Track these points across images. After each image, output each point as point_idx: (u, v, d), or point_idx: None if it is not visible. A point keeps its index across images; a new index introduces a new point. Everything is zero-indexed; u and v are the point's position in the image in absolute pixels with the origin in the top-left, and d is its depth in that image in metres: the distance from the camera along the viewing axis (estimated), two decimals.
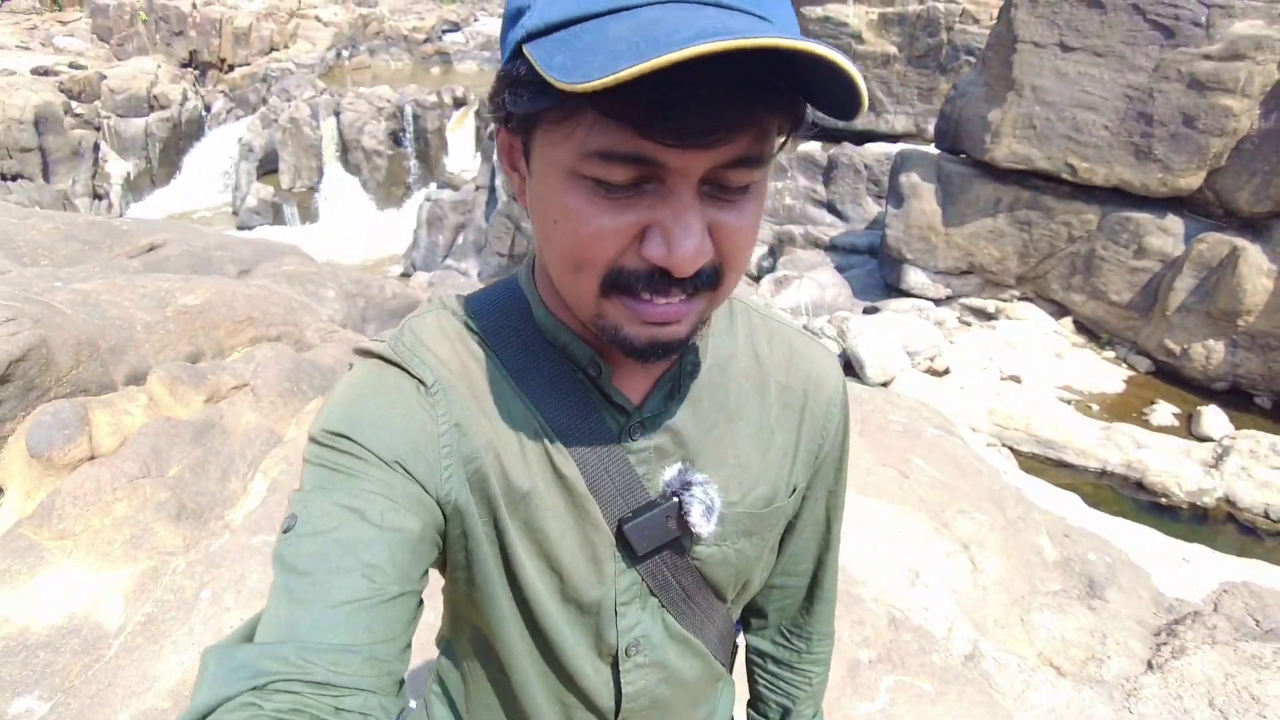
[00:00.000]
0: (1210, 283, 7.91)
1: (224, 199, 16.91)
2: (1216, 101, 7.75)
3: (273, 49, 20.96)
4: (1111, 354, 8.69)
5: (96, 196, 16.33)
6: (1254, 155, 7.86)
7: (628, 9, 0.54)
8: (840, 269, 10.00)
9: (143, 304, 4.25)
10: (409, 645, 0.66)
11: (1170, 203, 8.39)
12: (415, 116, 16.81)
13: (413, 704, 0.81)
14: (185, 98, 18.01)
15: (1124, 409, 7.81)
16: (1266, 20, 7.76)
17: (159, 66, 18.50)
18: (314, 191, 16.38)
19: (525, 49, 0.56)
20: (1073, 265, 8.87)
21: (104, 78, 17.28)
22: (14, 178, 15.21)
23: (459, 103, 17.29)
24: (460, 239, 14.34)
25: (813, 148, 12.72)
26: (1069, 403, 7.48)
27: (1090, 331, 8.99)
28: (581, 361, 0.74)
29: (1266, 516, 6.51)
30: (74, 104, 16.42)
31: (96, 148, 16.45)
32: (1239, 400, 8.00)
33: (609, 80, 0.48)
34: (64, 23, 22.37)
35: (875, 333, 7.09)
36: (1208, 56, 7.73)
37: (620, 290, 0.62)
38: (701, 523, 0.75)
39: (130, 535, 2.49)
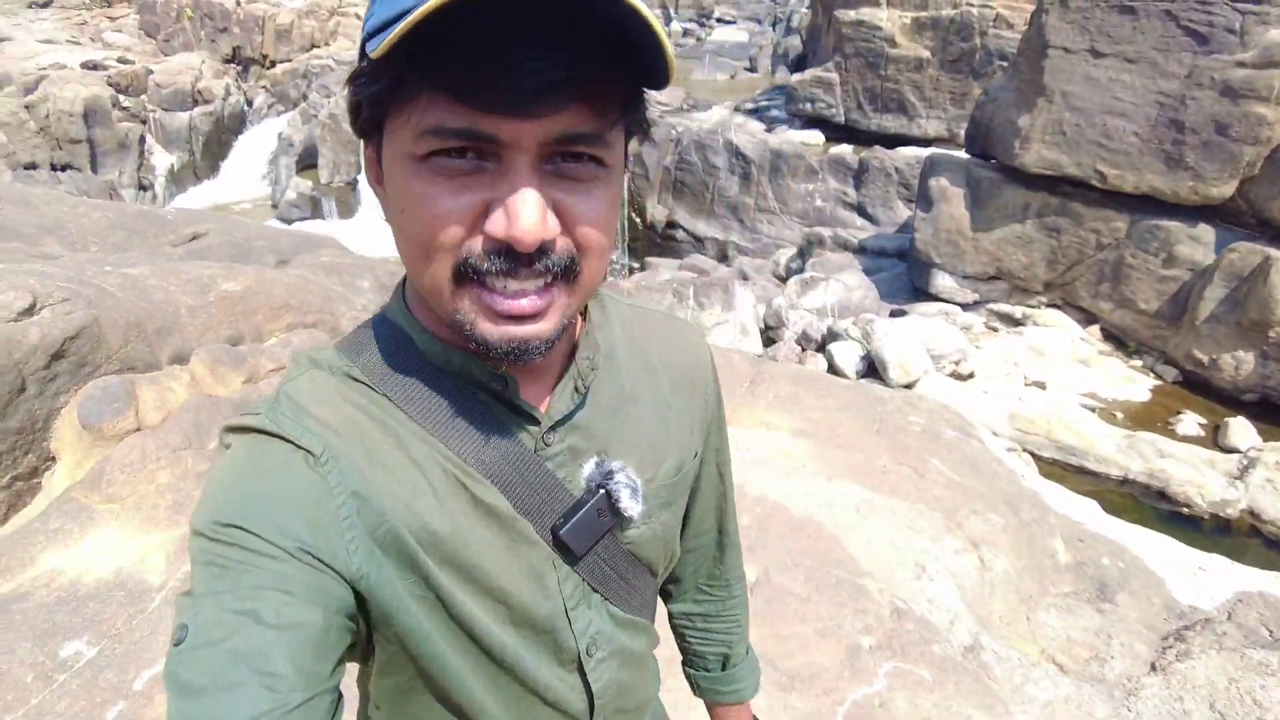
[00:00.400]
0: (1241, 292, 7.84)
1: (264, 192, 17.24)
2: (1250, 109, 7.68)
3: (313, 46, 21.32)
4: (1139, 363, 8.64)
5: (141, 188, 16.74)
6: None
7: None
8: (868, 272, 10.02)
9: (187, 289, 4.43)
10: None
11: (1201, 211, 8.30)
12: None
13: None
14: (228, 93, 18.38)
15: (1149, 418, 7.77)
16: None
17: (203, 62, 18.90)
18: (352, 186, 16.64)
19: (369, 46, 0.58)
20: (1101, 273, 8.83)
21: (150, 72, 17.69)
22: (64, 168, 15.64)
23: None
24: None
25: (844, 150, 12.74)
26: (1093, 410, 7.46)
27: (1118, 340, 8.93)
28: (483, 380, 0.72)
29: None
30: (121, 97, 16.83)
31: (142, 140, 16.86)
32: (1268, 412, 7.89)
33: (402, 28, 0.51)
34: (112, 18, 22.91)
35: (900, 335, 7.13)
36: (1241, 64, 7.66)
37: (471, 280, 0.62)
38: (631, 505, 0.78)
39: (172, 501, 2.64)
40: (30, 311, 2.94)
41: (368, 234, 15.39)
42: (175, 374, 3.81)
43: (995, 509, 3.54)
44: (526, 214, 0.59)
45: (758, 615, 2.54)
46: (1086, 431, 6.91)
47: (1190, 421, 7.72)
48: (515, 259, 0.61)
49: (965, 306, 9.19)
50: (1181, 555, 4.03)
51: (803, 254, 11.23)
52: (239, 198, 17.23)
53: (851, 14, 12.84)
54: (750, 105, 15.84)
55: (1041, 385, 7.43)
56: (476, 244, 0.61)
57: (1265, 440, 7.33)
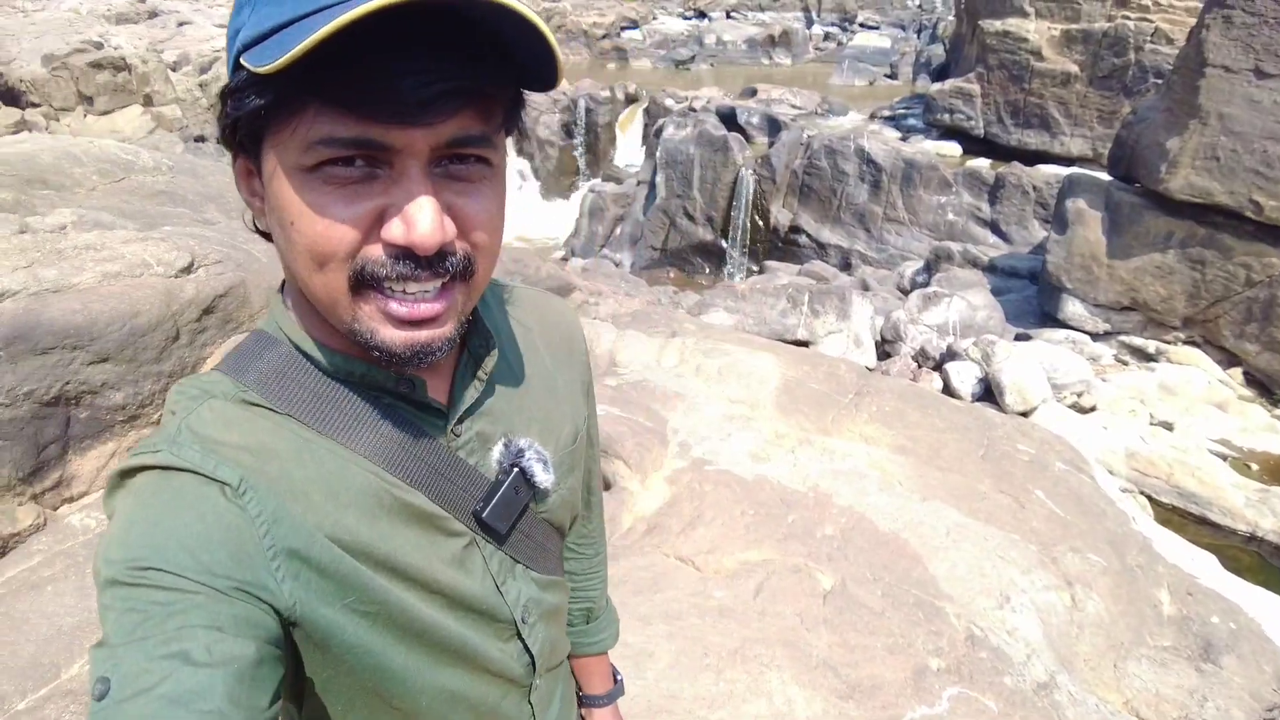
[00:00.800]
0: None
1: None
2: None
3: None
4: None
5: None
6: None
7: (336, 4, 0.56)
8: (996, 292, 9.69)
9: None
10: None
11: None
12: (588, 110, 17.38)
13: None
14: None
15: None
16: None
17: None
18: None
19: (242, 59, 0.59)
20: (1249, 311, 8.24)
21: None
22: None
23: (630, 99, 17.73)
24: (618, 230, 14.77)
25: (980, 164, 12.35)
26: (1224, 458, 7.00)
27: (1262, 385, 8.32)
28: (388, 385, 0.73)
29: None
30: None
31: None
32: None
33: (301, 47, 0.52)
34: None
35: (1021, 361, 6.89)
36: None
37: (369, 285, 0.63)
38: (545, 477, 0.82)
39: None
40: (189, 270, 3.25)
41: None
42: None
43: (1097, 549, 3.42)
44: (425, 219, 0.61)
45: (827, 622, 2.56)
46: (1214, 480, 6.50)
47: None
48: (415, 263, 0.62)
49: (1095, 336, 8.77)
50: None
51: (929, 268, 10.95)
52: None
53: (997, 24, 12.40)
54: (887, 113, 15.54)
55: (1168, 426, 7.02)
56: (374, 251, 0.62)
57: None
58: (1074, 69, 11.92)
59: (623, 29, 24.39)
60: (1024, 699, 2.41)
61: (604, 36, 23.36)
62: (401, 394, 0.74)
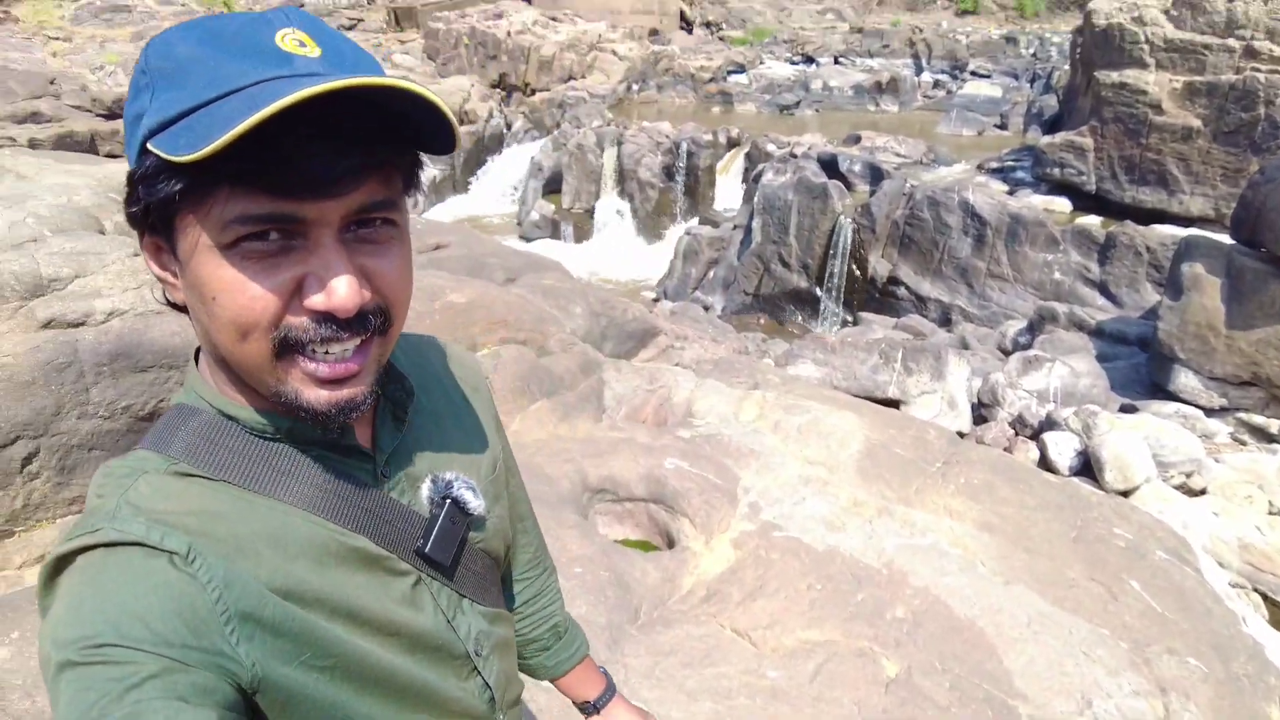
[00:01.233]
0: None
1: (511, 210, 18.47)
2: None
3: (571, 78, 22.72)
4: None
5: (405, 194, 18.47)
6: None
7: (238, 90, 0.60)
8: (1102, 358, 9.22)
9: (418, 296, 4.88)
10: None
11: None
12: (689, 153, 17.51)
13: None
14: (491, 115, 19.93)
15: None
16: None
17: (472, 86, 20.62)
18: (589, 214, 17.50)
19: (150, 145, 0.61)
20: None
21: None
22: None
23: (732, 143, 17.80)
24: (711, 274, 14.76)
25: (1091, 222, 11.85)
26: None
27: None
28: (314, 436, 0.75)
29: None
30: None
31: None
32: None
33: (223, 141, 0.55)
34: (403, 41, 25.58)
35: (1125, 435, 6.50)
36: None
37: (293, 350, 0.66)
38: (476, 503, 0.86)
39: None
40: None
41: (597, 258, 16.17)
42: None
43: (1198, 652, 3.16)
44: (343, 286, 0.65)
45: (886, 714, 2.42)
46: None
47: None
48: (337, 325, 0.66)
49: (1209, 412, 8.21)
50: None
51: (1032, 329, 10.53)
52: (488, 213, 18.56)
53: (1114, 75, 11.93)
54: (994, 164, 15.11)
55: None
56: (296, 318, 0.65)
57: None
58: (1196, 123, 11.35)
59: (729, 73, 24.57)
60: None
61: (710, 80, 23.58)
62: (330, 442, 0.76)
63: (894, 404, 7.37)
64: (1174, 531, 4.28)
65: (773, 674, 2.51)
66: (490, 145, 19.75)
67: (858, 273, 13.31)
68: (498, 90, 22.25)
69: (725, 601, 2.89)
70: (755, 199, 14.07)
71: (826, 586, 3.01)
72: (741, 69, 25.15)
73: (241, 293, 0.64)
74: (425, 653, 0.80)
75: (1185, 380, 8.33)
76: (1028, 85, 23.09)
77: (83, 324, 3.41)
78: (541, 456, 3.73)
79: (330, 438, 0.76)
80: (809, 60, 27.75)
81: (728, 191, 17.51)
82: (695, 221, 16.88)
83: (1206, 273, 8.32)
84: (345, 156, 0.63)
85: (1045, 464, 6.53)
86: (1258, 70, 10.80)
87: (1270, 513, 6.37)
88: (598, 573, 2.86)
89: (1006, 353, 9.93)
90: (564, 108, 20.57)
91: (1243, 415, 8.12)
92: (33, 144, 11.37)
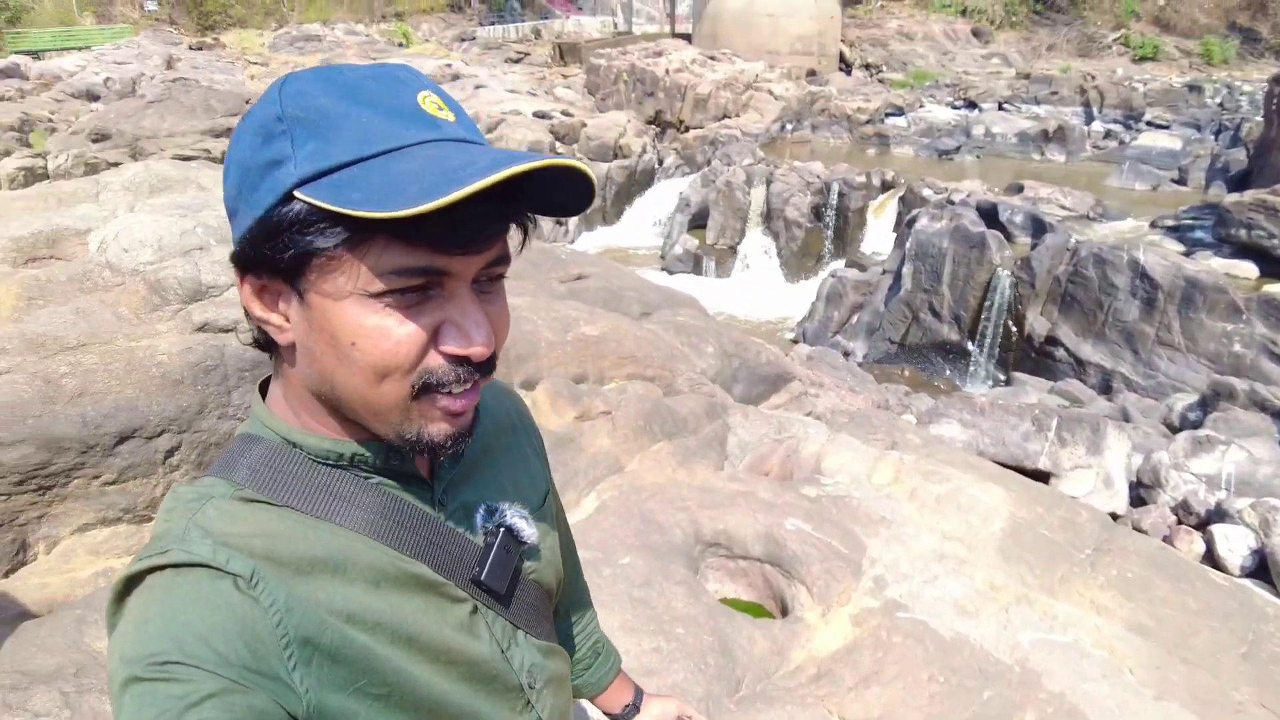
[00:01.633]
0: None
1: (656, 243, 18.65)
2: None
3: (725, 116, 22.81)
4: None
5: (558, 222, 18.98)
6: None
7: (398, 149, 0.64)
8: None
9: (552, 326, 4.92)
10: None
11: None
12: (840, 194, 17.18)
13: None
14: (644, 150, 20.26)
15: None
16: None
17: (628, 121, 21.03)
18: (733, 250, 17.44)
19: (301, 192, 0.63)
20: None
21: (584, 125, 20.09)
22: None
23: (886, 186, 17.35)
24: (855, 319, 14.34)
25: None
26: None
27: None
28: (377, 462, 0.77)
29: None
30: (558, 144, 19.26)
31: None
32: None
33: (438, 203, 0.58)
34: (565, 76, 26.49)
35: None
36: None
37: (430, 390, 0.70)
38: (530, 531, 0.87)
39: None
40: None
41: (737, 296, 16.06)
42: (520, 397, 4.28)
43: None
44: (481, 334, 0.70)
45: None
46: None
47: None
48: (472, 368, 0.71)
49: None
50: None
51: (1205, 405, 9.63)
52: (634, 244, 18.82)
53: None
54: (1170, 222, 14.03)
55: None
56: (434, 361, 0.70)
57: None
58: None
59: (887, 115, 24.02)
60: None
61: (867, 122, 23.11)
62: (391, 470, 0.79)
63: (1043, 476, 6.87)
64: None
65: None
66: (641, 180, 20.05)
67: (1013, 329, 12.60)
68: (652, 126, 22.60)
69: (836, 684, 2.68)
70: (908, 244, 13.61)
71: (950, 680, 2.75)
72: (900, 111, 24.57)
73: (386, 339, 0.67)
74: (480, 683, 0.81)
75: None
76: (1212, 137, 21.45)
77: (232, 330, 3.60)
78: (655, 502, 3.62)
79: (392, 465, 0.78)
80: (971, 105, 26.82)
81: (878, 235, 17.06)
82: (841, 264, 16.50)
83: None
84: (496, 220, 0.68)
85: (1211, 560, 5.91)
86: None
87: None
88: (701, 637, 2.71)
89: (1173, 429, 9.12)
90: (716, 145, 20.66)
91: None
92: (222, 158, 12.39)
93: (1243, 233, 12.00)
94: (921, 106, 25.86)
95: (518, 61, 30.15)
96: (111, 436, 3.13)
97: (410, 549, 0.77)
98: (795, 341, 13.86)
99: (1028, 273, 12.60)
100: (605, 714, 1.26)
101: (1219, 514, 6.46)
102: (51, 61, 23.22)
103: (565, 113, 20.92)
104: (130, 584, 0.66)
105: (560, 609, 1.15)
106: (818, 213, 17.35)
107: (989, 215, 13.74)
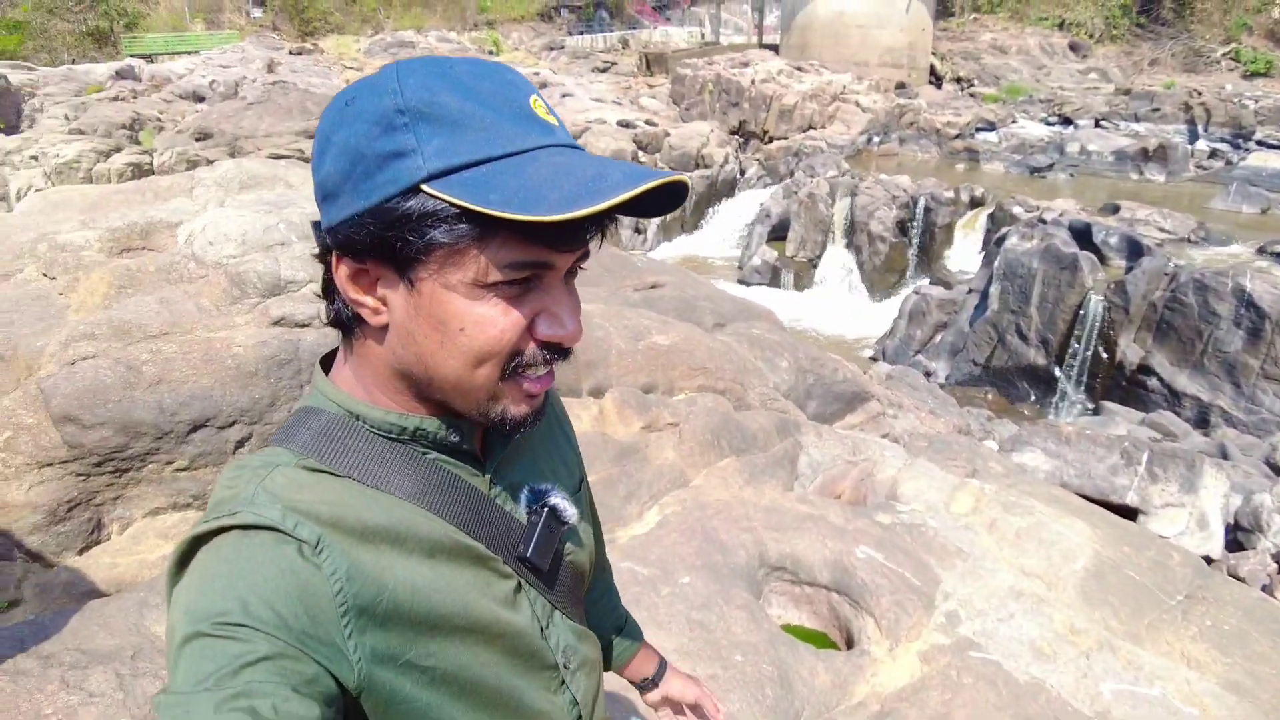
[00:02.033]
0: None
1: (734, 254, 18.53)
2: None
3: (810, 127, 22.51)
4: None
5: (637, 230, 19.01)
6: None
7: (522, 153, 0.68)
8: None
9: (623, 334, 4.87)
10: None
11: None
12: (927, 210, 16.78)
13: None
14: (726, 160, 20.15)
15: None
16: None
17: (711, 131, 20.96)
18: (813, 264, 17.19)
19: (431, 187, 0.66)
20: None
21: (668, 135, 20.09)
22: None
23: (975, 203, 16.88)
24: (938, 338, 13.95)
25: None
26: None
27: None
28: (438, 436, 0.80)
29: None
30: (641, 153, 19.32)
31: None
32: None
33: (584, 212, 0.62)
34: (651, 86, 26.54)
35: None
36: None
37: (517, 372, 0.74)
38: (571, 511, 0.90)
39: None
40: None
41: (815, 310, 15.81)
42: (587, 404, 4.21)
43: None
44: (574, 321, 0.75)
45: None
46: None
47: None
48: (558, 352, 0.76)
49: None
50: None
51: None
52: (712, 254, 18.73)
53: None
54: (1279, 248, 13.29)
55: None
56: (527, 345, 0.74)
57: None
58: None
59: (977, 130, 23.38)
60: None
61: (956, 136, 22.53)
62: (449, 445, 0.81)
63: (1130, 513, 6.53)
64: None
65: None
66: (723, 189, 19.94)
67: (1104, 356, 12.08)
68: (735, 137, 22.47)
69: None
70: (996, 263, 13.19)
71: None
72: (991, 126, 23.89)
73: (493, 326, 0.71)
74: (520, 658, 0.83)
75: None
76: None
77: (308, 325, 3.64)
78: (719, 520, 3.52)
79: (450, 441, 0.81)
80: (1066, 121, 25.91)
81: (964, 253, 16.60)
82: (926, 281, 16.10)
83: None
84: (598, 223, 0.71)
85: None
86: None
87: None
88: (760, 666, 2.61)
89: (1277, 470, 8.59)
90: (800, 156, 20.42)
91: None
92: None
93: None
94: (1014, 122, 25.10)
95: (605, 71, 30.37)
96: (186, 424, 3.19)
97: (462, 523, 0.79)
98: (874, 359, 13.55)
99: (1121, 297, 12.05)
100: (630, 682, 1.30)
101: None
102: (163, 65, 24.34)
103: (649, 122, 20.96)
104: (197, 543, 0.68)
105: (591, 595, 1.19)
106: (903, 228, 16.96)
107: (1082, 236, 13.19)
